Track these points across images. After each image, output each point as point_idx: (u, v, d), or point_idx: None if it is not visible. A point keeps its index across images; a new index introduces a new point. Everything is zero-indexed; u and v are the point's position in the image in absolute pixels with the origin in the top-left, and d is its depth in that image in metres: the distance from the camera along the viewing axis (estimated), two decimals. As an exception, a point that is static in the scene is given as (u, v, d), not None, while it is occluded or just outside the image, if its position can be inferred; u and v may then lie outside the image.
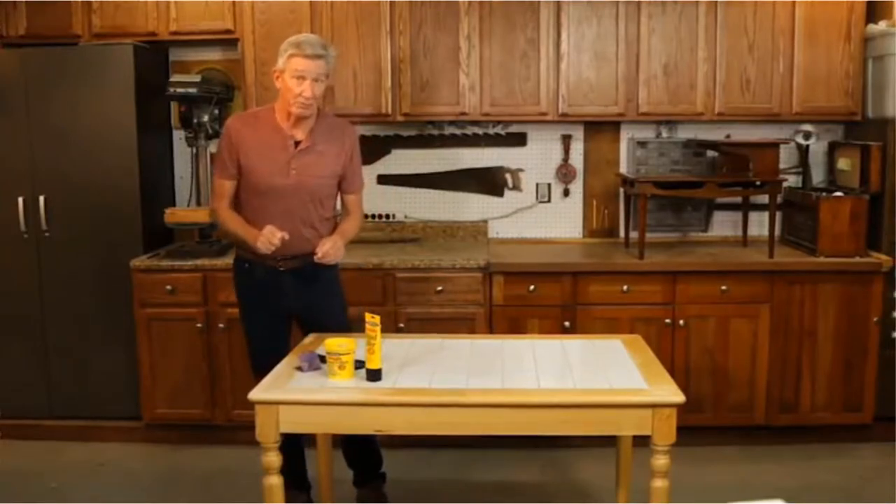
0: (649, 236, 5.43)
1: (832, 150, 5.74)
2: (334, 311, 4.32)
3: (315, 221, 4.17)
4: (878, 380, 5.23)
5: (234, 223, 4.17)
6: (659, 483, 3.24)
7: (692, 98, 5.45)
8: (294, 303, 4.25)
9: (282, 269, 4.19)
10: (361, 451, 4.49)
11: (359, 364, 3.45)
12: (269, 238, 3.92)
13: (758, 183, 5.31)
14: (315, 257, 4.02)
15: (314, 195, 4.16)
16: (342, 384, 3.37)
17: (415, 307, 5.20)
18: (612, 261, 5.29)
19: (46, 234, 5.45)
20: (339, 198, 4.38)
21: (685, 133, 5.85)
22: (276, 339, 4.20)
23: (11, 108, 5.37)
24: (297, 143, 4.13)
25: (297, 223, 4.09)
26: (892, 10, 5.22)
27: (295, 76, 3.99)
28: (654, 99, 5.46)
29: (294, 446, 4.17)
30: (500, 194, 6.01)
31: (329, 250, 4.03)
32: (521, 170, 5.96)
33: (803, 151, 5.68)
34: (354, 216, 4.39)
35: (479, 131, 5.93)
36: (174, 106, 5.86)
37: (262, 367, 3.84)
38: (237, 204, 4.22)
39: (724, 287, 5.15)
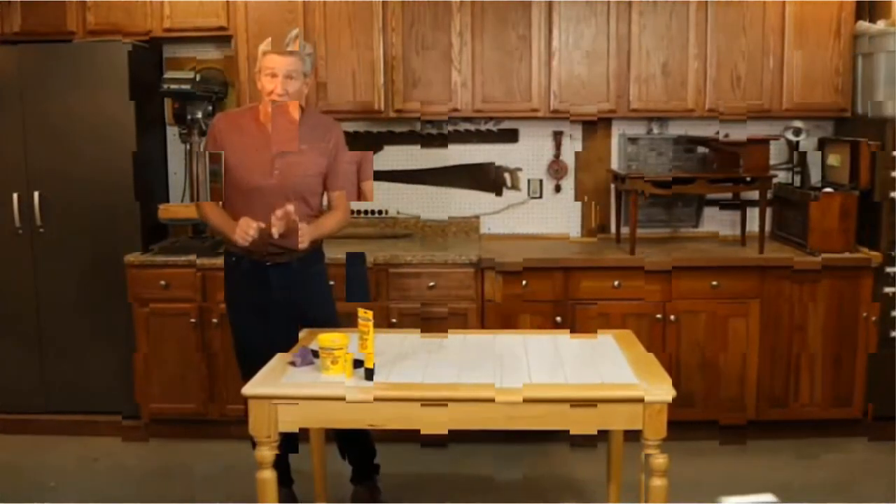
0: (640, 232, 5.47)
1: (822, 146, 5.77)
2: (321, 303, 4.29)
3: (301, 218, 4.04)
4: (868, 375, 5.27)
5: (216, 218, 4.16)
6: (658, 482, 3.26)
7: (683, 95, 5.48)
8: (280, 297, 4.24)
9: (268, 263, 4.19)
10: (354, 444, 4.52)
11: (357, 363, 3.45)
12: (245, 229, 3.89)
13: (748, 179, 5.34)
14: (273, 230, 3.93)
15: (298, 193, 4.13)
16: (335, 379, 3.39)
17: (407, 303, 5.22)
18: (604, 256, 5.32)
19: (41, 230, 5.47)
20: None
21: (676, 130, 5.87)
22: (261, 335, 4.10)
23: (6, 105, 5.39)
24: None
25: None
26: (883, 9, 5.27)
27: (267, 73, 4.04)
28: (645, 96, 5.49)
29: (286, 440, 4.20)
30: (492, 190, 6.03)
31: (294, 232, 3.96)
32: (513, 167, 5.99)
33: (793, 148, 5.72)
34: (337, 212, 4.32)
35: (472, 128, 5.95)
36: (168, 103, 5.85)
37: (246, 365, 3.87)
38: (224, 202, 4.20)
39: (714, 283, 5.18)
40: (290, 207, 3.93)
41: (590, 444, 5.09)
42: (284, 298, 4.24)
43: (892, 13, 5.26)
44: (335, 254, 4.74)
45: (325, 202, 4.39)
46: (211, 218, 4.19)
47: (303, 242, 3.96)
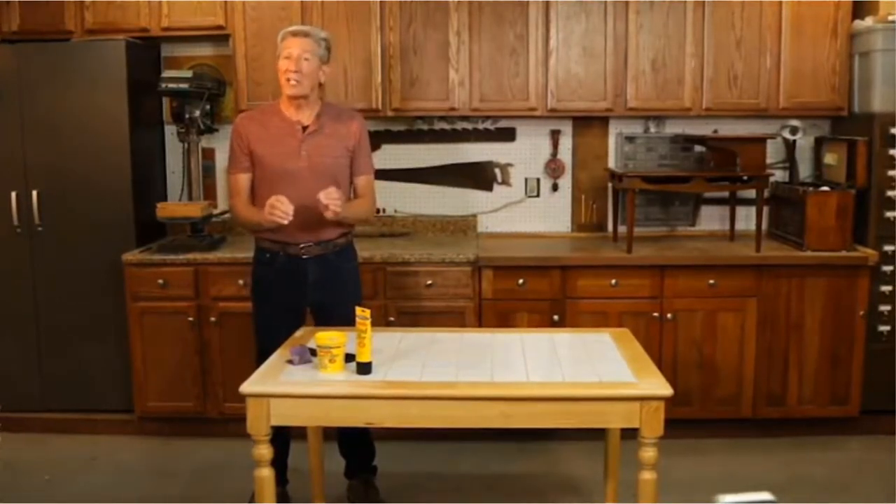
0: (637, 230, 5.46)
1: (819, 144, 5.78)
2: (353, 303, 4.25)
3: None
4: (864, 373, 5.28)
5: (249, 212, 4.22)
6: (647, 475, 3.27)
7: (680, 93, 5.49)
8: (314, 294, 4.29)
9: (304, 256, 4.23)
10: (355, 443, 4.53)
11: (349, 357, 3.47)
12: (272, 204, 3.92)
13: (745, 178, 5.35)
14: (319, 195, 3.95)
15: (328, 175, 4.17)
16: (333, 377, 3.39)
17: (405, 301, 5.23)
18: (601, 255, 5.33)
19: (39, 229, 5.47)
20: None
21: (673, 128, 5.89)
22: (289, 335, 4.05)
23: (5, 104, 5.39)
24: (304, 128, 4.21)
25: (314, 209, 4.05)
26: (878, 7, 5.27)
27: (283, 56, 4.15)
28: (642, 94, 5.49)
29: (278, 439, 4.21)
30: (490, 189, 6.04)
31: (331, 197, 3.96)
32: (510, 164, 6.00)
33: (790, 146, 5.73)
34: (364, 199, 4.41)
35: (469, 126, 5.96)
36: (166, 101, 5.86)
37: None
38: (255, 201, 4.24)
39: (711, 281, 5.19)
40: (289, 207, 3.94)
41: (587, 443, 5.09)
42: (319, 295, 4.30)
43: (880, 10, 5.26)
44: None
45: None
46: (245, 213, 4.26)
47: (336, 207, 3.97)
